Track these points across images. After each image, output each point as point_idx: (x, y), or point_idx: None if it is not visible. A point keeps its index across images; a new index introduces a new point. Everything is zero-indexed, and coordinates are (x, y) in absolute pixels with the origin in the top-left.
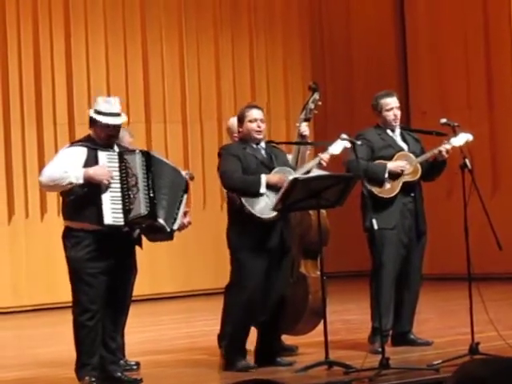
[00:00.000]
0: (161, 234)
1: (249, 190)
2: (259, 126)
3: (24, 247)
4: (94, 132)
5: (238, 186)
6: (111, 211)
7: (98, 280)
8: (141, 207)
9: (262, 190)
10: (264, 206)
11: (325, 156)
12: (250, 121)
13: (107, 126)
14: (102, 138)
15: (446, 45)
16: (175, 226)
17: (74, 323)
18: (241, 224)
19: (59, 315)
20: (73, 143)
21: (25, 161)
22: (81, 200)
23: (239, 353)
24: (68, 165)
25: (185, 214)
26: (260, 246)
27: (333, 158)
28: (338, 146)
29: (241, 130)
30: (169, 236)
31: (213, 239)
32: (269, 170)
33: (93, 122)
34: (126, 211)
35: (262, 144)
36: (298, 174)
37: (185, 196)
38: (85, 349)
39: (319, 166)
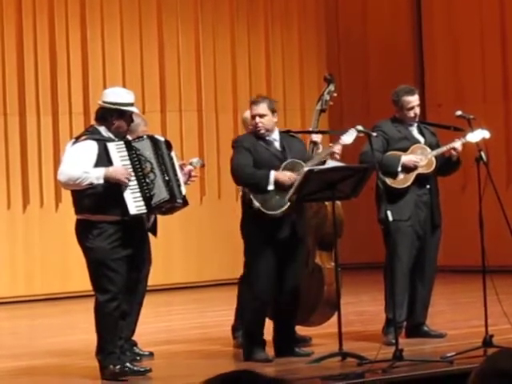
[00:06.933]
0: (177, 208)
1: (257, 186)
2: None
3: (38, 236)
4: (118, 124)
5: (247, 182)
6: (133, 201)
7: (123, 268)
8: (162, 192)
9: (270, 187)
10: (274, 202)
11: (337, 147)
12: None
13: (131, 116)
14: (124, 129)
15: (462, 37)
16: (183, 191)
17: (99, 312)
18: (252, 217)
19: (72, 304)
20: (78, 137)
21: (40, 150)
22: (101, 194)
23: (257, 344)
24: (86, 163)
25: (181, 168)
26: (271, 239)
27: (348, 149)
28: (350, 136)
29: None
30: (184, 205)
31: (227, 229)
32: (281, 162)
33: (120, 115)
34: (148, 198)
35: (276, 135)
36: (309, 166)
37: (172, 155)
38: (110, 337)
39: (332, 156)
